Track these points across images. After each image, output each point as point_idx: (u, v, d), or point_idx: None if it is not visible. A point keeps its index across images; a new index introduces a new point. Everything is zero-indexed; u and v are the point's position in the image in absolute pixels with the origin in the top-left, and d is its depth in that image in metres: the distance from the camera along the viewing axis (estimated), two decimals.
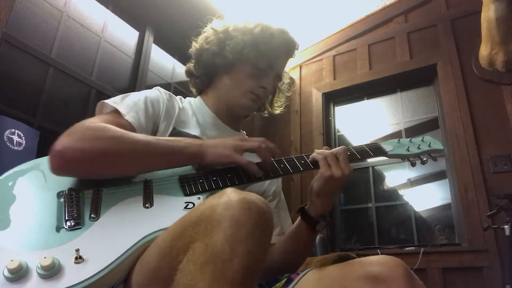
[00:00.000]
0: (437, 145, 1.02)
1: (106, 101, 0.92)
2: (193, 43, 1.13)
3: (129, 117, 0.89)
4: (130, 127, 0.88)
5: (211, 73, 1.11)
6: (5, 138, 1.63)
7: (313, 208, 0.92)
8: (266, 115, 1.25)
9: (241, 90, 1.06)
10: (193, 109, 1.08)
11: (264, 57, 1.04)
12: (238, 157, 0.82)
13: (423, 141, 1.02)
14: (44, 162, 0.83)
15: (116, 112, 0.90)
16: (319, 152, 0.91)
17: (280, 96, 1.23)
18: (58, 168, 0.74)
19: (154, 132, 0.96)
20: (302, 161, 0.92)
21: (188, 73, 1.17)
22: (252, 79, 1.05)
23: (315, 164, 0.90)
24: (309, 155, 0.93)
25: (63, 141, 0.73)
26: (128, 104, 0.93)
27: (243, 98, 1.06)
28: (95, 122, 0.82)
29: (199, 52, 1.10)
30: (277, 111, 1.24)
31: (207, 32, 1.11)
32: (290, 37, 1.09)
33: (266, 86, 1.06)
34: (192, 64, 1.15)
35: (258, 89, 1.06)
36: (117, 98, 0.94)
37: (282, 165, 0.90)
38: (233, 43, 1.04)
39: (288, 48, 1.10)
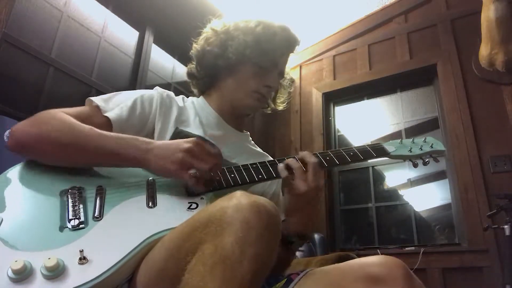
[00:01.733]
0: (439, 146, 1.02)
1: (92, 98, 0.92)
2: (194, 44, 1.12)
3: (110, 113, 0.89)
4: (106, 123, 0.88)
5: (214, 75, 1.10)
6: (5, 138, 1.63)
7: (288, 226, 0.87)
8: (269, 112, 1.23)
9: (246, 91, 1.05)
10: (196, 109, 1.07)
11: (267, 56, 1.03)
12: (183, 174, 0.75)
13: (425, 141, 1.02)
14: None
15: (97, 107, 0.90)
16: (287, 163, 0.86)
17: (282, 92, 1.22)
18: (10, 147, 0.79)
19: (151, 132, 0.96)
20: (267, 168, 0.87)
21: (190, 74, 1.16)
22: (256, 79, 1.04)
23: (278, 174, 0.85)
24: (279, 162, 0.88)
25: (20, 123, 0.80)
26: (115, 101, 0.93)
27: (249, 99, 1.05)
28: (62, 111, 0.84)
29: (200, 54, 1.09)
30: (280, 107, 1.23)
31: (207, 32, 1.09)
32: (291, 34, 1.08)
33: (271, 84, 1.05)
34: (193, 66, 1.13)
35: (263, 89, 1.05)
36: (107, 95, 0.95)
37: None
38: (236, 44, 1.03)
39: (290, 44, 1.09)
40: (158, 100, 0.99)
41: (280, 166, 0.86)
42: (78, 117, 0.84)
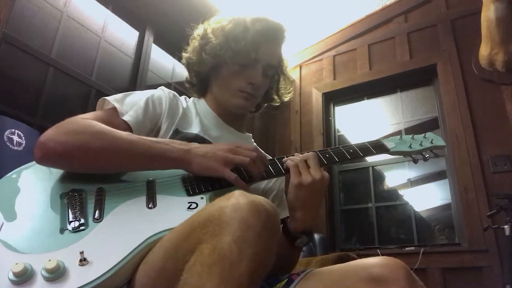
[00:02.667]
0: (439, 141, 1.02)
1: (107, 98, 0.93)
2: (183, 53, 1.13)
3: (127, 116, 0.90)
4: (125, 126, 0.88)
5: (204, 80, 1.11)
6: (5, 138, 1.63)
7: (293, 223, 0.88)
8: (278, 104, 1.21)
9: (230, 91, 1.04)
10: (197, 109, 1.08)
11: (241, 54, 1.00)
12: (227, 173, 0.78)
13: (425, 137, 1.02)
14: None
15: (114, 110, 0.91)
16: (290, 159, 0.88)
17: (286, 82, 1.19)
18: (40, 159, 0.76)
19: (156, 132, 0.96)
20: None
21: (187, 82, 1.17)
22: (238, 78, 1.02)
23: (288, 170, 0.87)
24: (282, 159, 0.90)
25: (48, 133, 0.77)
26: (128, 103, 0.93)
27: (235, 99, 1.04)
28: (85, 118, 0.84)
29: (187, 63, 1.11)
30: (287, 98, 1.20)
31: (193, 39, 1.10)
32: (267, 24, 1.03)
33: (253, 81, 1.02)
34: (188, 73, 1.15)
35: (246, 87, 1.02)
36: (119, 95, 0.95)
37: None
38: (208, 48, 1.02)
39: (268, 35, 1.03)
40: (167, 101, 1.00)
41: (285, 159, 0.89)
42: (102, 122, 0.84)
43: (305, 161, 0.86)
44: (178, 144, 0.81)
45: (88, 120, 0.82)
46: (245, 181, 0.83)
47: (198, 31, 1.09)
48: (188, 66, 1.11)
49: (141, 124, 0.91)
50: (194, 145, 0.82)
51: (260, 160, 0.83)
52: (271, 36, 1.05)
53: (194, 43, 1.08)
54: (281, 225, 0.90)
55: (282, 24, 1.07)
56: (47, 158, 0.77)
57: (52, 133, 0.77)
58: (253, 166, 0.81)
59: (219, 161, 0.79)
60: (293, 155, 0.90)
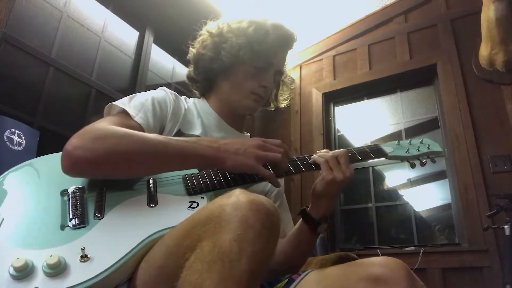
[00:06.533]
0: (436, 147, 1.04)
1: (114, 103, 0.92)
2: (190, 48, 1.12)
3: (138, 118, 0.89)
4: (139, 128, 0.87)
5: (211, 78, 1.11)
6: (5, 138, 1.63)
7: (315, 210, 0.93)
8: (272, 109, 1.23)
9: (242, 93, 1.05)
10: (197, 110, 1.08)
11: (260, 56, 1.03)
12: (262, 170, 0.80)
13: (422, 143, 1.04)
14: (45, 161, 0.83)
15: (124, 113, 0.90)
16: (321, 155, 0.92)
17: (284, 89, 1.22)
18: (69, 168, 0.73)
19: (160, 133, 0.95)
20: (305, 162, 0.92)
21: (189, 78, 1.16)
22: (252, 80, 1.04)
23: (317, 166, 0.92)
24: (311, 156, 0.94)
25: (74, 142, 0.73)
26: (135, 105, 0.93)
27: (246, 100, 1.05)
28: (104, 124, 0.82)
29: (196, 58, 1.10)
30: (283, 104, 1.23)
31: (203, 35, 1.10)
32: (285, 32, 1.07)
33: (267, 85, 1.05)
34: (192, 69, 1.14)
35: (259, 89, 1.04)
36: (125, 99, 0.94)
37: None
38: (228, 47, 1.03)
39: (285, 42, 1.08)
40: (171, 102, 1.00)
41: (315, 157, 0.92)
42: (117, 126, 0.82)
43: (336, 158, 0.90)
44: (207, 142, 0.81)
45: (110, 125, 0.81)
46: (252, 180, 0.84)
47: (210, 28, 1.08)
48: (197, 62, 1.10)
49: (151, 126, 0.91)
50: (222, 141, 0.82)
51: (286, 155, 0.85)
52: (286, 43, 1.09)
53: (206, 40, 1.07)
54: (301, 214, 0.95)
55: (295, 33, 1.10)
56: (77, 168, 0.73)
57: (77, 141, 0.73)
58: (283, 162, 0.84)
59: (252, 158, 0.79)
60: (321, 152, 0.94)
